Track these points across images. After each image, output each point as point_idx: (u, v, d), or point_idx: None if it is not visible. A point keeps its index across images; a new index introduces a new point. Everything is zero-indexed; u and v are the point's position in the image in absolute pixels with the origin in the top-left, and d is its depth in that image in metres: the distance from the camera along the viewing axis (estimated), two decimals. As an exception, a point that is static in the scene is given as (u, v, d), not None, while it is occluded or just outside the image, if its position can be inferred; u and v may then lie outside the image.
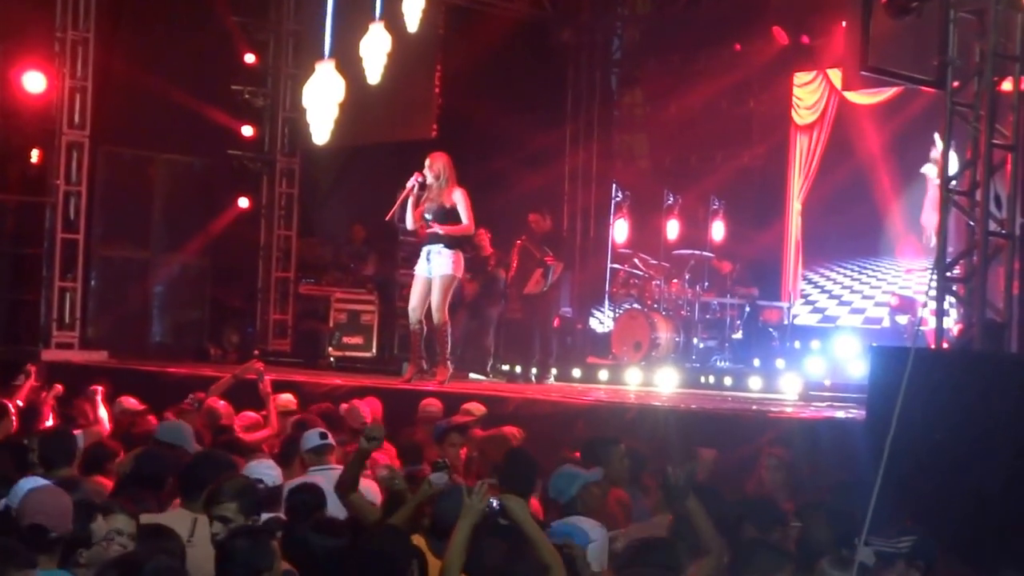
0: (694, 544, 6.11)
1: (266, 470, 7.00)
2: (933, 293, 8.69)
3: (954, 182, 8.88)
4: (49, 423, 10.52)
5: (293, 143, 19.17)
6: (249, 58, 18.79)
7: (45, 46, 16.47)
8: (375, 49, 13.70)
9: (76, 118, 16.62)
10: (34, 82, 16.37)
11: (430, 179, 12.35)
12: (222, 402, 10.43)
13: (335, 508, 6.82)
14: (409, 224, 12.65)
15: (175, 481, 6.90)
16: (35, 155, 16.91)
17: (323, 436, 8.13)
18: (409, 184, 12.46)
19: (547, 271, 14.27)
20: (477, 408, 10.06)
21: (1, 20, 16.23)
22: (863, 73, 9.48)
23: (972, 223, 8.78)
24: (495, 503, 5.85)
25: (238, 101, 18.77)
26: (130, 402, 10.84)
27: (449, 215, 12.35)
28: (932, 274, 8.00)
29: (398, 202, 12.59)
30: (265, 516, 6.24)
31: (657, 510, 7.13)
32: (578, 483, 7.07)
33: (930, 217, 15.17)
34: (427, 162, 12.46)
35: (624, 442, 8.27)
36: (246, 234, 19.11)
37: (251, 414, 10.28)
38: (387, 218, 13.09)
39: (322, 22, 15.60)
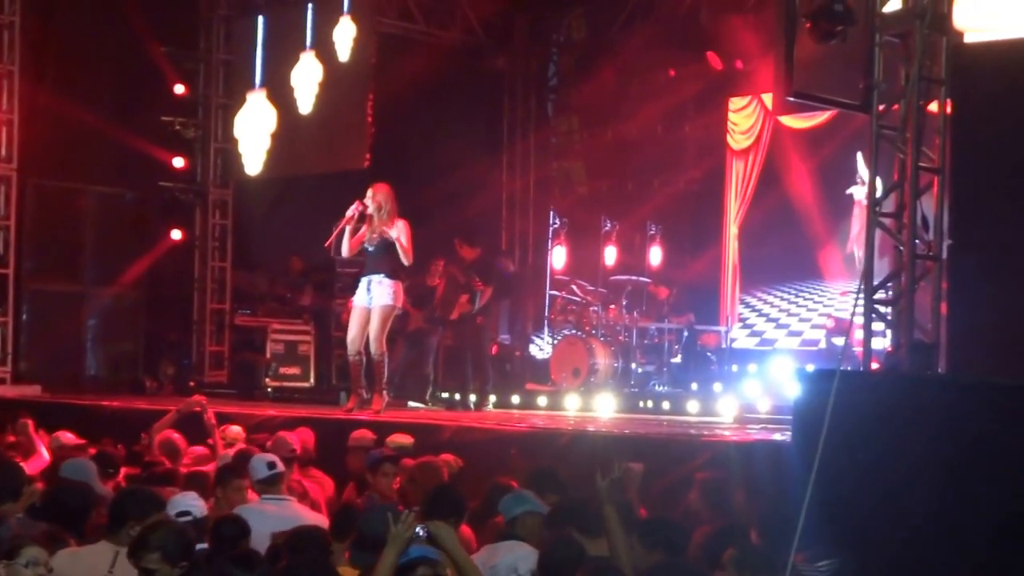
0: None
1: (192, 502, 7.02)
2: (860, 314, 8.71)
3: (881, 205, 8.92)
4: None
5: (226, 174, 19.00)
6: (179, 89, 18.61)
7: (-31, 80, 16.30)
8: (307, 79, 13.72)
9: (3, 151, 16.46)
10: (-40, 117, 16.20)
11: (371, 209, 12.30)
12: (176, 434, 10.34)
13: (262, 540, 6.78)
14: (345, 253, 12.61)
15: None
16: (-37, 190, 16.72)
17: (271, 466, 8.12)
18: (348, 213, 12.39)
19: (473, 296, 14.18)
20: (403, 439, 10.00)
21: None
22: (789, 98, 9.52)
23: (900, 245, 8.82)
24: (421, 531, 5.85)
25: (169, 132, 18.59)
26: (67, 437, 10.72)
27: (390, 248, 12.31)
28: (857, 296, 8.00)
29: (336, 230, 12.50)
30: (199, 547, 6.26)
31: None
32: (523, 508, 7.07)
33: (859, 239, 15.29)
34: (369, 192, 12.39)
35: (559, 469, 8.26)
36: (180, 266, 18.96)
37: (199, 448, 10.23)
38: (326, 244, 12.99)
39: (253, 52, 15.62)
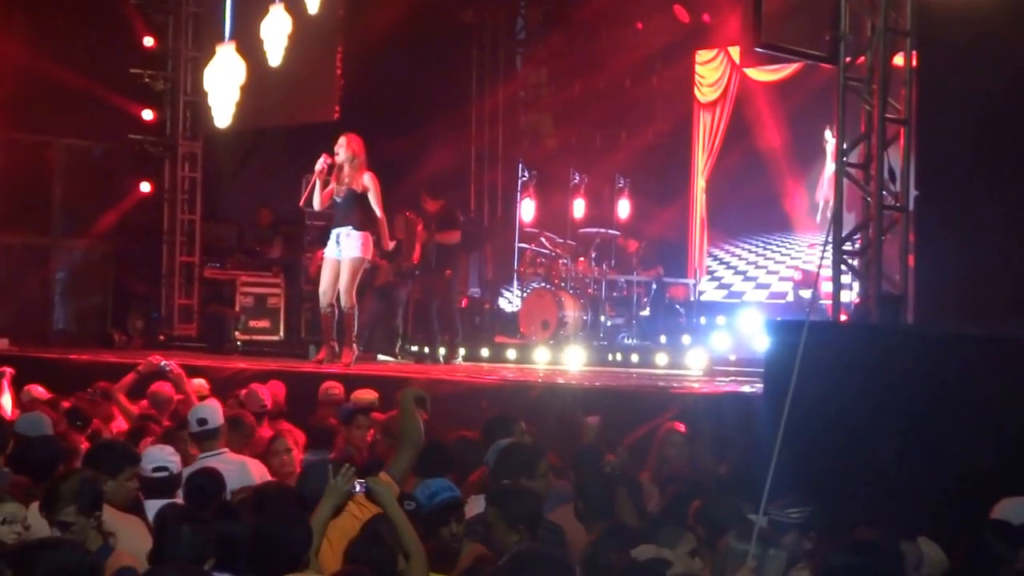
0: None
1: (169, 457, 6.94)
2: (828, 266, 8.78)
3: (848, 156, 8.98)
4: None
5: (195, 127, 18.94)
6: (148, 41, 18.52)
7: (-64, 32, 16.17)
8: (276, 31, 13.61)
9: (-30, 103, 16.35)
10: (-74, 70, 16.07)
11: (342, 159, 12.28)
12: (167, 386, 10.30)
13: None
14: (316, 206, 12.62)
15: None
16: (-71, 142, 16.63)
17: (201, 422, 8.01)
18: (318, 167, 12.38)
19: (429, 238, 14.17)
20: (368, 394, 10.00)
21: None
22: (757, 49, 9.56)
23: (867, 197, 8.89)
24: (359, 486, 5.91)
25: (138, 85, 18.50)
26: (38, 391, 10.70)
27: (359, 199, 12.32)
28: (824, 248, 8.07)
29: (308, 187, 12.48)
30: (161, 502, 6.25)
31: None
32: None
33: (827, 192, 15.38)
34: (341, 141, 12.38)
35: (527, 421, 8.32)
36: (149, 219, 18.89)
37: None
38: (300, 204, 12.97)
39: (222, 4, 15.47)
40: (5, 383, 10.75)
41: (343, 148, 12.31)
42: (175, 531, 5.37)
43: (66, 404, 9.79)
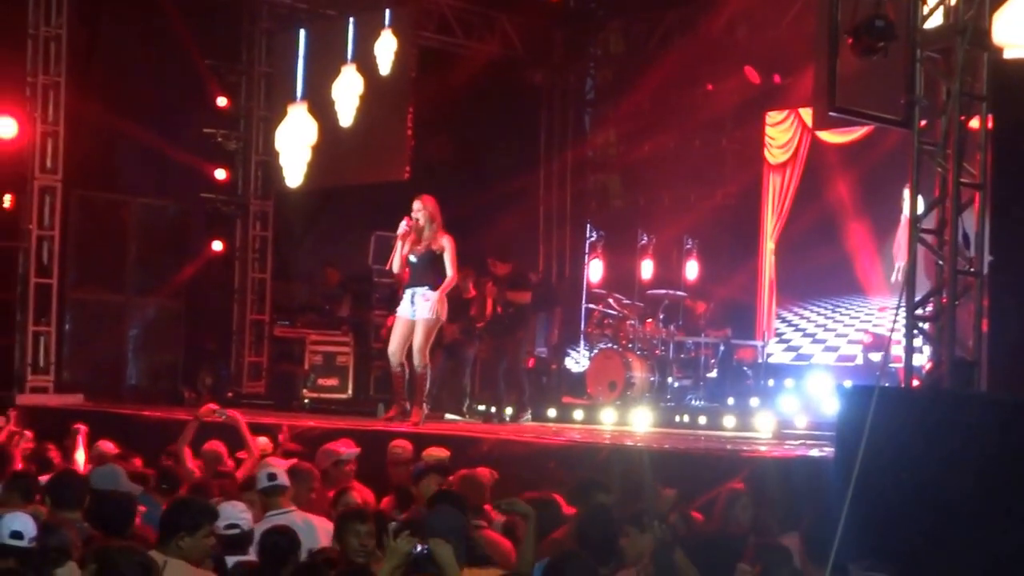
0: None
1: (241, 514, 6.96)
2: (900, 331, 8.70)
3: (923, 221, 8.92)
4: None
5: (266, 186, 19.17)
6: (221, 101, 18.80)
7: (16, 91, 16.46)
8: (347, 91, 13.82)
9: (48, 162, 16.61)
10: (5, 127, 16.36)
11: (423, 222, 12.36)
12: (220, 444, 10.37)
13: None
14: (395, 268, 12.63)
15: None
16: (7, 200, 16.89)
17: (271, 477, 8.04)
18: (400, 231, 12.43)
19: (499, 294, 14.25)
20: (440, 452, 9.99)
21: (-29, 66, 16.26)
22: (831, 114, 9.53)
23: (941, 261, 8.82)
24: (422, 548, 5.90)
25: (211, 144, 18.78)
26: (107, 446, 10.80)
27: (436, 260, 12.37)
28: (897, 312, 8.00)
29: (395, 250, 12.52)
30: (233, 559, 6.27)
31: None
32: None
33: (900, 255, 15.25)
34: (416, 205, 12.43)
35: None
36: (220, 277, 19.12)
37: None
38: (387, 267, 13.00)
39: (294, 65, 15.75)
40: (80, 440, 10.86)
41: (421, 211, 12.38)
42: None
43: (137, 461, 9.87)
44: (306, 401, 16.77)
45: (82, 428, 10.96)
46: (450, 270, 12.39)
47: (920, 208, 8.87)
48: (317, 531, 7.65)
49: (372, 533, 6.59)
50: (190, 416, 10.71)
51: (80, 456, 10.66)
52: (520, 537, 6.82)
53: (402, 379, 12.69)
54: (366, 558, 6.36)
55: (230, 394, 17.76)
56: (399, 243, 12.42)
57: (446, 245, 12.32)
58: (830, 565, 5.59)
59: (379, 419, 13.08)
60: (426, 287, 12.36)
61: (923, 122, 8.84)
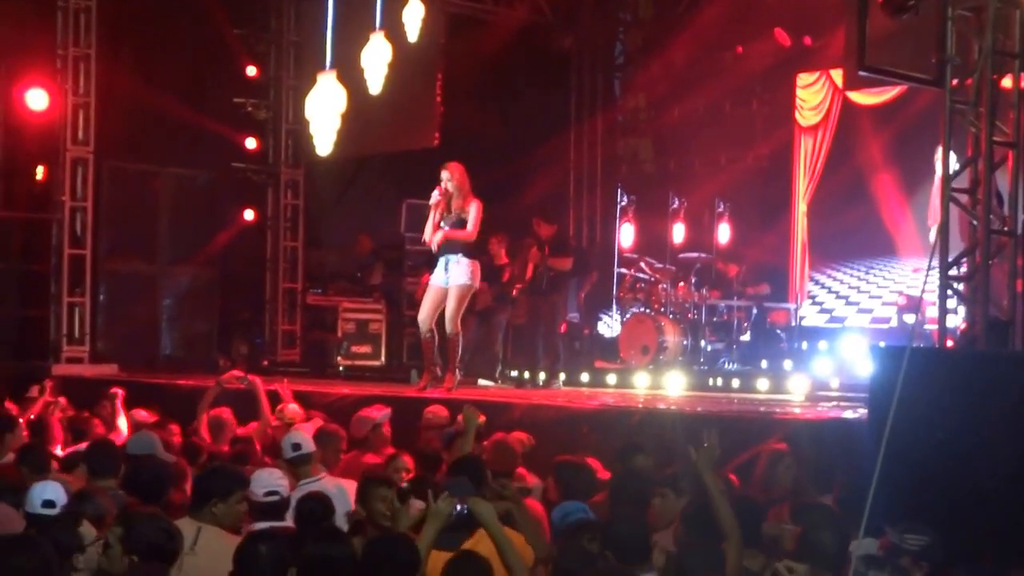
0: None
1: (278, 480, 6.95)
2: (933, 291, 8.66)
3: (955, 180, 8.87)
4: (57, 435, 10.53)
5: (297, 154, 19.22)
6: (251, 70, 18.85)
7: (47, 63, 16.54)
8: (376, 59, 13.73)
9: (80, 134, 16.67)
10: (37, 99, 16.45)
11: (451, 188, 12.36)
12: (227, 413, 10.45)
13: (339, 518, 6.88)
14: (427, 236, 12.64)
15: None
16: (40, 172, 17.01)
17: (296, 447, 8.09)
18: (433, 201, 12.43)
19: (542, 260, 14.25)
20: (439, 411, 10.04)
21: (3, 38, 16.31)
22: (861, 73, 9.46)
23: (974, 221, 8.78)
24: (461, 507, 5.95)
25: (241, 114, 18.83)
26: (142, 415, 10.87)
27: (462, 224, 12.38)
28: (927, 273, 7.94)
29: (431, 221, 12.51)
30: (263, 524, 6.32)
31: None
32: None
33: (935, 215, 15.14)
34: (444, 173, 12.43)
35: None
36: (252, 246, 19.18)
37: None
38: (423, 240, 13.00)
39: (322, 33, 15.65)
40: (119, 404, 10.94)
41: (449, 179, 12.38)
42: (252, 550, 5.43)
43: (174, 428, 9.96)
44: (340, 368, 16.85)
45: (119, 392, 11.04)
46: (470, 226, 12.35)
47: (953, 167, 8.81)
48: (349, 495, 7.70)
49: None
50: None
51: (123, 422, 10.73)
52: (539, 515, 6.85)
53: (432, 346, 12.71)
54: (390, 521, 6.40)
55: (265, 362, 17.86)
56: (432, 212, 12.43)
57: (472, 209, 12.32)
58: (863, 527, 5.58)
59: (412, 386, 13.11)
60: (459, 254, 12.36)
61: (955, 81, 8.78)
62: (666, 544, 6.28)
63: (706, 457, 6.37)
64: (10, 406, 11.93)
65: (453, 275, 12.37)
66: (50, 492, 6.20)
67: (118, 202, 17.69)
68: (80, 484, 7.31)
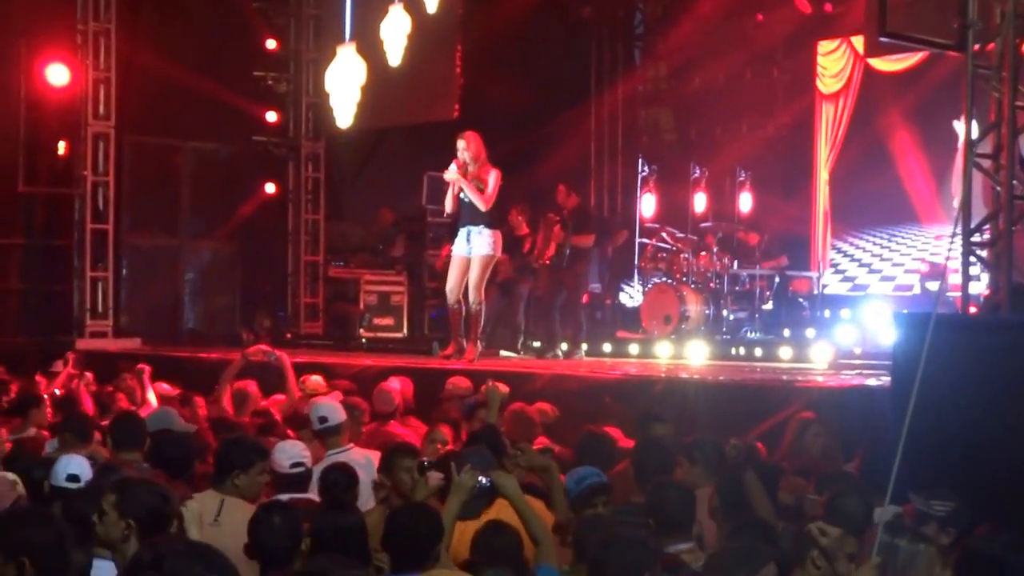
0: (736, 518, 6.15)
1: (302, 452, 6.97)
2: (956, 258, 8.61)
3: (978, 146, 8.81)
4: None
5: (317, 127, 19.23)
6: (270, 43, 18.89)
7: (67, 39, 16.59)
8: (395, 31, 13.72)
9: (101, 109, 16.73)
10: (58, 75, 16.52)
11: (467, 159, 12.35)
12: (252, 385, 10.49)
13: (365, 489, 6.91)
14: (448, 207, 12.65)
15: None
16: (61, 147, 17.08)
17: (322, 420, 8.13)
18: (450, 176, 12.42)
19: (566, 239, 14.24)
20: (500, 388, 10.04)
21: (23, 14, 16.37)
22: (882, 39, 9.40)
23: (997, 187, 8.72)
24: (485, 480, 5.97)
25: (261, 87, 18.88)
26: (163, 388, 10.94)
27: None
28: (951, 240, 7.89)
29: (450, 195, 12.52)
30: (287, 496, 6.36)
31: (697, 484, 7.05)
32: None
33: (958, 182, 15.07)
34: (460, 143, 12.43)
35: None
36: (274, 219, 19.22)
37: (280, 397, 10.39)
38: (444, 213, 13.01)
39: (341, 5, 15.67)
40: (147, 380, 10.99)
41: (464, 149, 12.37)
42: (266, 521, 5.46)
43: (199, 400, 10.01)
44: (363, 340, 16.89)
45: (146, 368, 11.10)
46: (488, 191, 12.34)
47: (975, 133, 8.76)
48: (376, 465, 7.73)
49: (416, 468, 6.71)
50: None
51: (152, 396, 10.79)
52: (547, 489, 6.87)
53: (459, 316, 12.74)
54: (412, 491, 6.44)
55: (288, 335, 17.92)
56: (451, 187, 12.42)
57: (490, 178, 12.32)
58: (888, 494, 5.56)
59: (435, 357, 13.14)
60: (480, 225, 12.38)
61: (977, 46, 8.71)
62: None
63: (742, 452, 6.38)
64: (40, 380, 12.03)
65: (475, 245, 12.39)
66: (75, 466, 6.22)
67: (139, 176, 17.77)
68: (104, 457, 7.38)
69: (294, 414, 9.58)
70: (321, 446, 8.01)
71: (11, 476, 6.40)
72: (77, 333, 16.57)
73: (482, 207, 12.32)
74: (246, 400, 10.20)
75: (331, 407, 8.37)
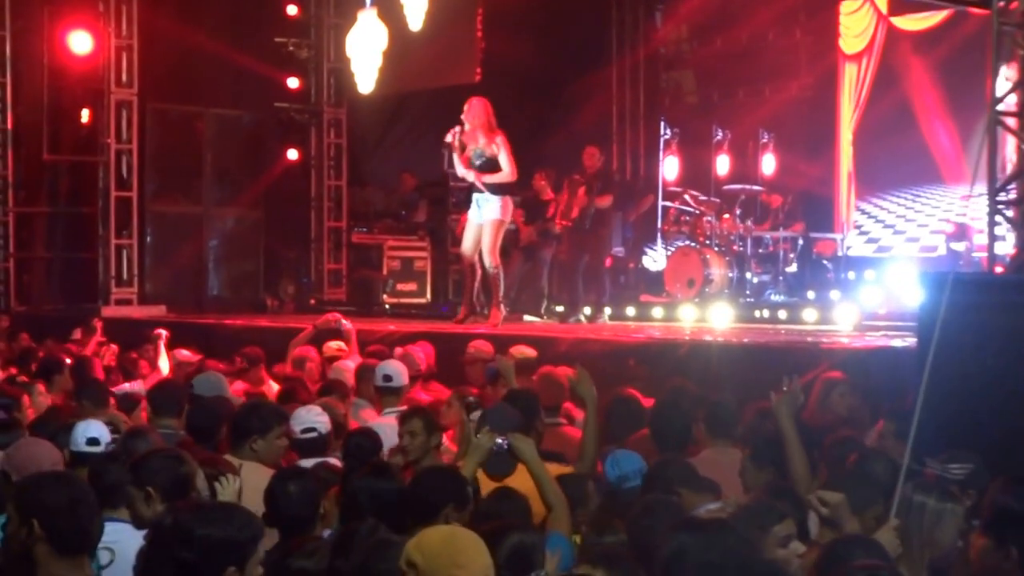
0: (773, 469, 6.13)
1: (317, 418, 7.01)
2: (982, 218, 8.58)
3: (1003, 103, 8.75)
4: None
5: (339, 93, 19.23)
6: (291, 10, 18.85)
7: (90, 6, 16.62)
8: (416, -5, 13.70)
9: (124, 77, 16.77)
10: (81, 42, 16.53)
11: (468, 125, 12.38)
12: (313, 351, 10.61)
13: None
14: (460, 171, 12.72)
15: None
16: (85, 115, 17.11)
17: (387, 378, 8.33)
18: (448, 140, 12.51)
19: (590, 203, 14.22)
20: (527, 351, 10.01)
21: (46, -18, 16.37)
22: (906, -2, 9.35)
23: (1023, 144, 8.67)
24: (502, 442, 5.97)
25: (283, 53, 18.85)
26: (184, 354, 10.98)
27: (494, 163, 12.43)
28: (965, 200, 7.84)
29: (456, 159, 12.62)
30: (308, 461, 6.39)
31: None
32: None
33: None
34: (465, 108, 12.53)
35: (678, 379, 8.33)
36: (296, 185, 19.24)
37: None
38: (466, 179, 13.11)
39: (362, -30, 15.62)
40: (162, 345, 11.05)
41: (469, 115, 12.44)
42: (281, 488, 5.47)
43: (221, 367, 10.06)
44: (386, 306, 16.92)
45: (163, 333, 11.15)
46: (507, 166, 12.40)
47: (1000, 91, 8.70)
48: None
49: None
50: (273, 323, 10.94)
51: (164, 362, 10.84)
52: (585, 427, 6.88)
53: (472, 279, 12.82)
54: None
55: (312, 301, 17.97)
56: (447, 151, 12.55)
57: (499, 145, 12.36)
58: (907, 454, 5.55)
59: (455, 319, 13.18)
60: (488, 191, 12.45)
61: (1001, 2, 8.66)
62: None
63: (787, 402, 6.34)
64: (70, 347, 12.09)
65: (485, 211, 12.55)
66: (94, 430, 6.24)
67: (162, 144, 17.80)
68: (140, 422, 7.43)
69: (323, 378, 9.68)
70: (380, 403, 8.19)
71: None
72: (103, 301, 16.66)
73: (509, 179, 12.37)
74: (303, 366, 10.27)
75: (397, 368, 8.55)
